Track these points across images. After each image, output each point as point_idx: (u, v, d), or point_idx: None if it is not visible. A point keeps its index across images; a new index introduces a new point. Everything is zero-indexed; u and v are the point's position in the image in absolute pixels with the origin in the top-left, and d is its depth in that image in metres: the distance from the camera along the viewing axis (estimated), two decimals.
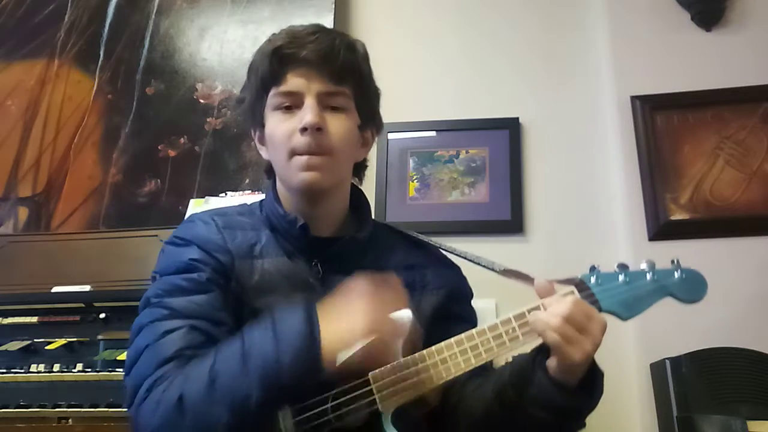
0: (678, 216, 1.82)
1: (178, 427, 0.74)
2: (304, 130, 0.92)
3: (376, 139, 1.10)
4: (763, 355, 1.52)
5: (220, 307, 0.88)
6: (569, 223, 1.95)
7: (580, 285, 0.88)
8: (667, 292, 0.88)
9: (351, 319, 0.76)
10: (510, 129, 2.05)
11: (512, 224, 1.95)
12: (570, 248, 1.91)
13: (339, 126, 0.95)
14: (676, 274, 0.89)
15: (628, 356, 1.71)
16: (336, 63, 0.95)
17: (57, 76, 2.36)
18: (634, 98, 1.93)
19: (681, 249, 1.78)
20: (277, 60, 0.95)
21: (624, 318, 0.86)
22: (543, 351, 0.84)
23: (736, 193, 1.81)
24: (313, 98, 0.93)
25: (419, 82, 2.12)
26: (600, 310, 0.85)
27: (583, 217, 1.95)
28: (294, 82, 0.95)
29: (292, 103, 0.95)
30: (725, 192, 1.82)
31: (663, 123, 1.90)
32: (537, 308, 0.85)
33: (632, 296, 0.87)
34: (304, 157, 0.92)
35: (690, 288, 0.88)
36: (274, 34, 1.01)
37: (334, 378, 0.77)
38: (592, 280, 0.88)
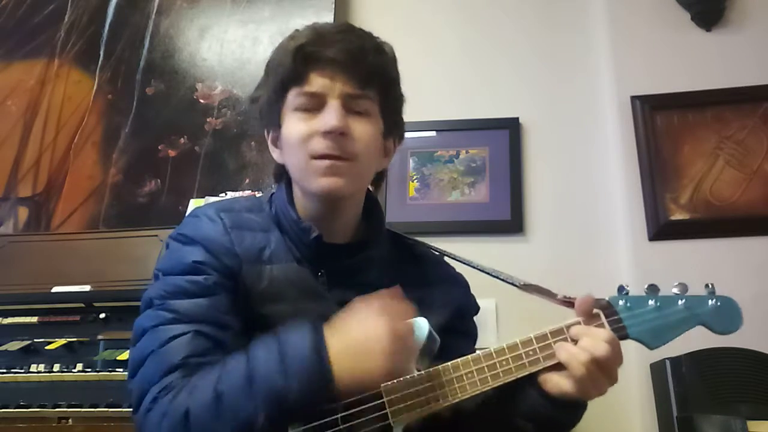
0: (678, 216, 1.82)
1: None
2: (327, 133, 0.87)
3: (398, 148, 1.03)
4: (763, 355, 1.52)
5: (225, 310, 0.85)
6: (569, 223, 1.95)
7: (608, 308, 0.84)
8: (700, 321, 0.83)
9: (366, 342, 0.74)
10: (510, 129, 2.05)
11: (512, 224, 1.95)
12: (570, 248, 1.91)
13: (363, 131, 0.89)
14: (710, 302, 0.83)
15: (628, 356, 1.68)
16: (363, 65, 0.89)
17: (57, 76, 2.36)
18: (634, 98, 1.93)
19: (681, 249, 1.78)
20: (301, 58, 0.89)
21: (651, 347, 0.83)
22: None
23: (736, 193, 1.81)
24: (337, 100, 0.88)
25: (419, 82, 2.11)
26: (627, 337, 0.83)
27: (583, 217, 1.95)
28: (317, 82, 0.89)
29: (314, 105, 0.89)
30: (725, 192, 1.82)
31: (663, 123, 1.90)
32: (560, 331, 0.82)
33: (662, 324, 0.82)
34: (326, 162, 0.87)
35: (724, 318, 0.83)
36: (297, 30, 0.94)
37: (344, 399, 0.75)
38: (621, 303, 0.84)
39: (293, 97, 0.91)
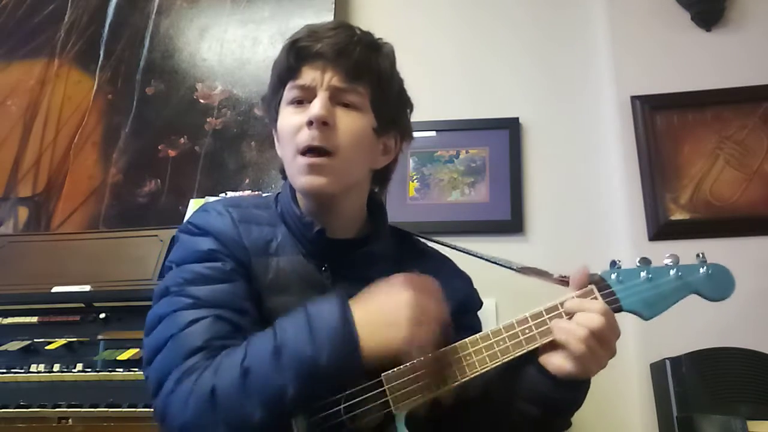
0: (678, 216, 1.82)
1: (210, 420, 0.72)
2: (310, 123, 0.88)
3: (403, 149, 1.03)
4: (763, 355, 1.52)
5: (244, 297, 0.85)
6: (569, 223, 1.95)
7: (600, 283, 0.86)
8: (692, 289, 0.84)
9: (391, 312, 0.76)
10: (510, 129, 2.05)
11: (512, 224, 1.95)
12: (570, 248, 1.91)
13: (349, 123, 0.90)
14: (702, 270, 0.85)
15: (628, 356, 1.71)
16: (351, 58, 0.91)
17: (57, 76, 2.36)
18: (634, 98, 1.93)
19: (681, 249, 1.76)
20: (294, 53, 0.92)
21: (646, 318, 0.84)
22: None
23: (736, 193, 1.81)
24: (325, 92, 0.90)
25: (419, 82, 2.10)
26: (621, 309, 0.84)
27: (583, 217, 1.95)
28: (308, 75, 0.91)
29: (305, 97, 0.91)
30: (725, 192, 1.82)
31: (663, 123, 1.90)
32: (555, 308, 0.83)
33: (655, 294, 0.84)
34: (308, 160, 0.88)
35: (717, 285, 0.85)
36: (299, 30, 0.97)
37: (373, 368, 0.77)
38: (613, 277, 0.85)
39: (287, 91, 0.94)
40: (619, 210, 1.91)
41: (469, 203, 2.01)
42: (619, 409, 1.70)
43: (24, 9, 2.48)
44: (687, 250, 1.76)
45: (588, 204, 1.96)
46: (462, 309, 1.00)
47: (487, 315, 1.81)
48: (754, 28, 1.94)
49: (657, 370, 1.63)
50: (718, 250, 1.73)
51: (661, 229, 1.81)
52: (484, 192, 2.01)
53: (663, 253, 1.84)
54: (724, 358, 1.52)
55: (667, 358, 1.56)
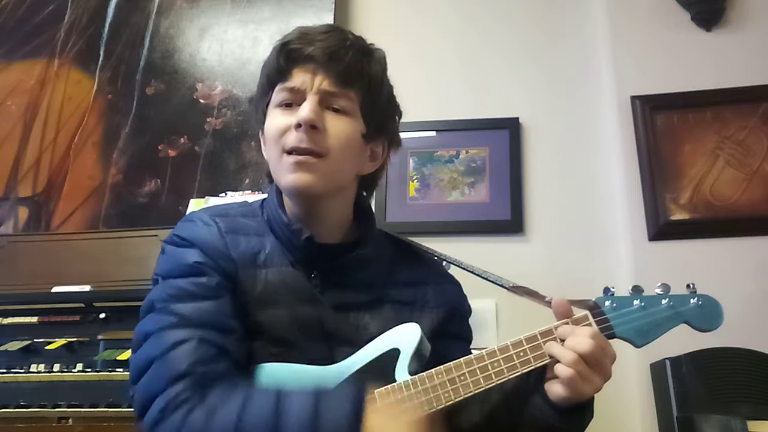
0: (678, 216, 1.82)
1: None
2: (298, 126, 0.87)
3: (390, 156, 1.03)
4: (763, 355, 1.52)
5: (229, 314, 0.84)
6: (569, 223, 1.95)
7: (594, 308, 0.86)
8: (683, 319, 0.86)
9: None
10: (510, 129, 2.05)
11: (512, 224, 1.95)
12: (570, 248, 1.91)
13: (337, 127, 0.89)
14: (692, 301, 0.87)
15: (628, 356, 1.70)
16: (342, 63, 0.89)
17: (57, 76, 2.36)
18: (634, 98, 1.93)
19: (681, 249, 1.78)
20: (284, 56, 0.90)
21: (638, 345, 0.86)
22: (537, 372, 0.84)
23: (736, 193, 1.81)
24: (315, 96, 0.89)
25: (419, 82, 2.12)
26: (614, 336, 0.85)
27: (583, 217, 1.95)
28: (298, 78, 0.90)
29: (294, 100, 0.90)
30: (725, 192, 1.82)
31: (663, 123, 1.90)
32: (549, 332, 0.84)
33: (647, 323, 0.86)
34: (295, 157, 0.87)
35: (706, 316, 0.87)
36: (290, 33, 0.96)
37: None
38: (607, 303, 0.86)
39: (276, 94, 0.92)
40: (619, 210, 1.91)
41: (469, 203, 2.01)
42: (619, 409, 1.71)
43: (24, 9, 2.48)
44: (687, 250, 1.78)
45: (588, 204, 1.96)
46: (451, 315, 0.99)
47: (486, 315, 1.83)
48: (754, 28, 1.94)
49: (657, 370, 1.64)
50: (718, 250, 1.76)
51: (661, 229, 1.81)
52: (484, 192, 2.01)
53: (663, 253, 1.84)
54: (724, 358, 1.52)
55: (667, 358, 1.56)
